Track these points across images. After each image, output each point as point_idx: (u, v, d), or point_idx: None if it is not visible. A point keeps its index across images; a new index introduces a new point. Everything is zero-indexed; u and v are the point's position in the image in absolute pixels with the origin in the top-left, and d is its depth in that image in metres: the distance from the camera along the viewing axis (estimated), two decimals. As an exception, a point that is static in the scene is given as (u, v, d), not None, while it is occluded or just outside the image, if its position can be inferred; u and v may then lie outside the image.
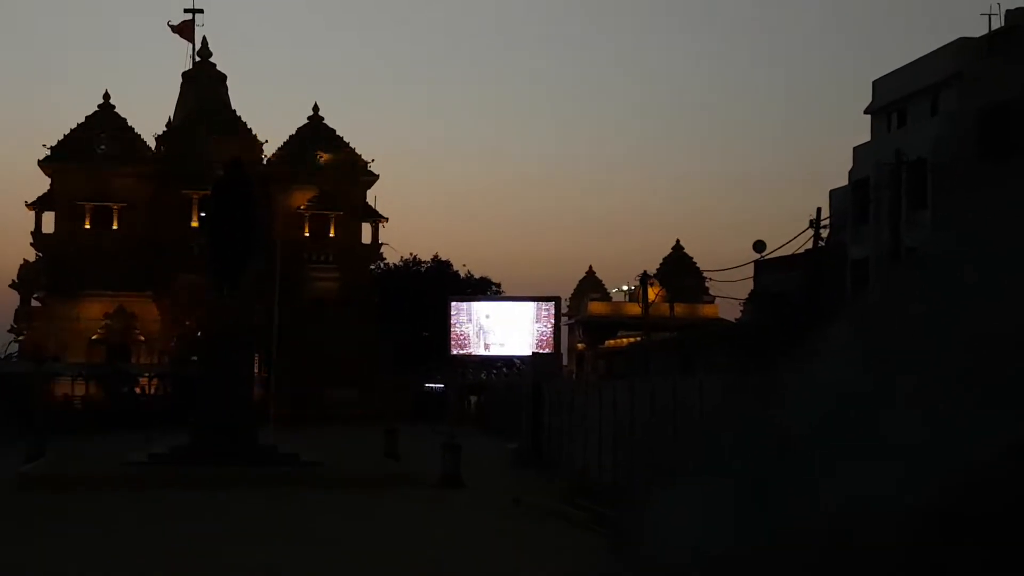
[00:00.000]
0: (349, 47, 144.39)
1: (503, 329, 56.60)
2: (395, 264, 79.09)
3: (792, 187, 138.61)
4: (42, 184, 61.29)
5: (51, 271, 58.86)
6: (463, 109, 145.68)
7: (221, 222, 27.55)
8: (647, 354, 47.15)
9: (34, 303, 61.21)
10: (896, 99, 38.11)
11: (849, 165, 40.24)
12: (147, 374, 55.46)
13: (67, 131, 61.23)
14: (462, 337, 57.82)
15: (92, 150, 60.17)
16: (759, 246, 41.91)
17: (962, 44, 35.26)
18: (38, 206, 60.81)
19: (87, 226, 59.58)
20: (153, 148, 62.41)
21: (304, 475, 24.57)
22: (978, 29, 51.92)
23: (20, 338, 60.80)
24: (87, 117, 61.72)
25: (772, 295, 43.38)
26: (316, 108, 64.64)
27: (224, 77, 64.81)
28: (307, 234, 61.63)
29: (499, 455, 32.05)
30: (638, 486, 19.33)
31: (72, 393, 50.19)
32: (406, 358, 65.33)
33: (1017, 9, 35.89)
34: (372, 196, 64.16)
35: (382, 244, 64.31)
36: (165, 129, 63.56)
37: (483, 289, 78.58)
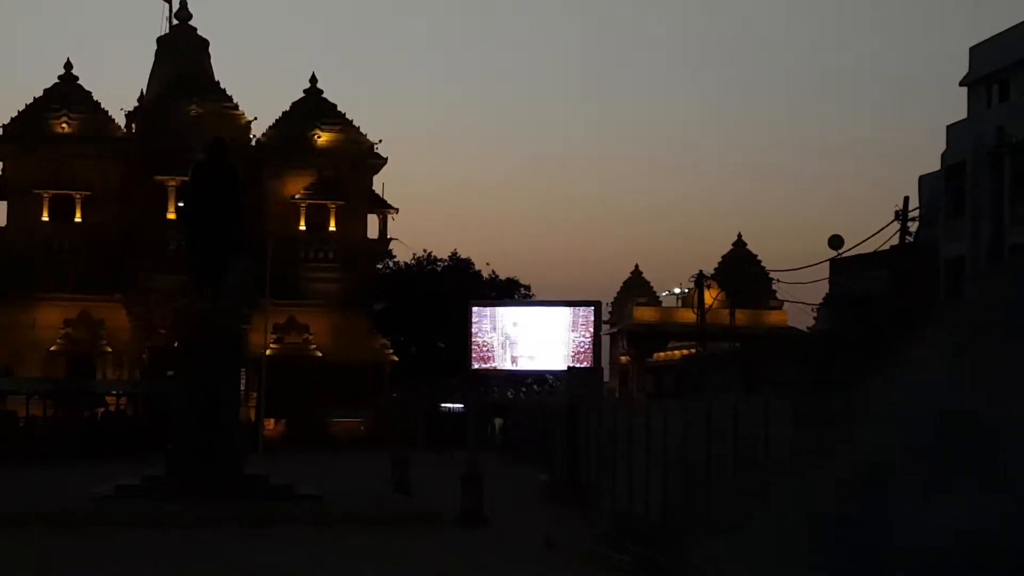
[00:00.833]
0: (351, 7, 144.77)
1: (533, 339, 56.60)
2: (406, 263, 79.35)
3: (875, 173, 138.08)
4: (-7, 169, 61.75)
5: (2, 271, 59.25)
6: (487, 80, 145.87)
7: (202, 213, 27.63)
8: (703, 369, 47.01)
9: (-17, 308, 61.60)
10: (997, 69, 37.87)
11: (942, 147, 40.02)
12: (115, 391, 55.69)
13: (21, 107, 61.68)
14: (485, 348, 57.85)
15: (50, 129, 60.54)
16: (835, 242, 41.78)
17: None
18: (-12, 195, 61.26)
19: (45, 218, 59.95)
20: (123, 127, 62.73)
21: (299, 512, 24.60)
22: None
23: (-33, 349, 61.23)
24: (45, 91, 62.10)
25: (851, 300, 43.20)
26: (314, 79, 64.86)
27: (206, 43, 65.11)
28: (303, 227, 61.81)
29: (528, 488, 32.01)
30: (693, 527, 19.30)
31: (27, 414, 50.46)
32: (419, 373, 65.41)
33: None
34: (379, 183, 64.38)
35: (391, 239, 64.45)
36: (137, 104, 63.86)
37: (510, 292, 78.65)
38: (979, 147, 35.34)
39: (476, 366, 58.20)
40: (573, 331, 56.03)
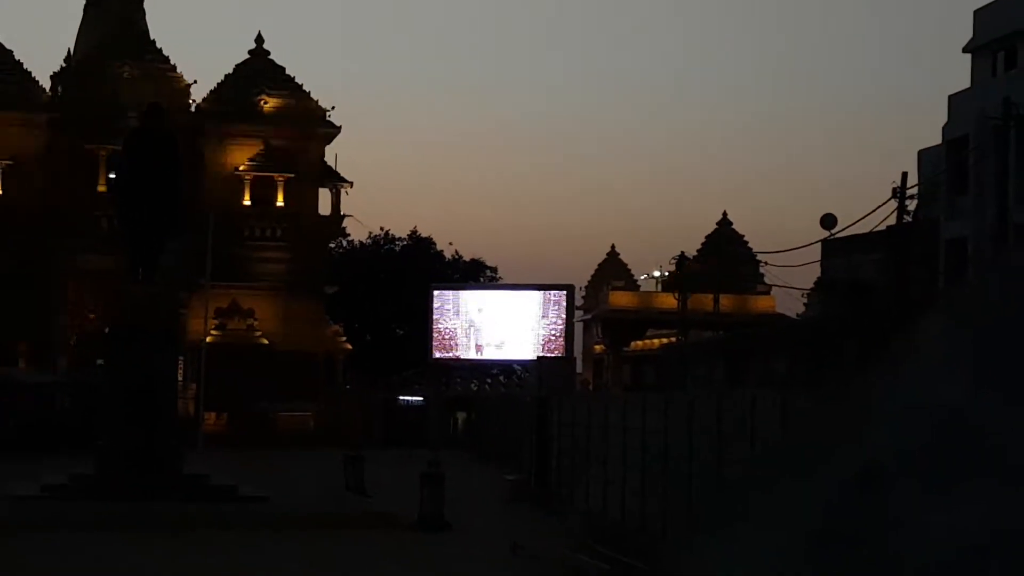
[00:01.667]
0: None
1: (500, 326, 56.64)
2: (361, 242, 79.34)
3: (870, 146, 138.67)
4: (-95, 136, 61.26)
5: (-83, 249, 58.82)
6: (449, 41, 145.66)
7: (136, 186, 27.53)
8: (685, 360, 47.21)
9: None
10: (1004, 34, 38.07)
11: (943, 119, 40.23)
12: (39, 382, 55.45)
13: (-63, 68, 61.15)
14: (447, 336, 57.84)
15: (-30, 93, 60.08)
16: (828, 221, 41.94)
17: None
18: (-100, 165, 60.77)
19: (-37, 191, 59.55)
20: (48, 90, 62.36)
21: (244, 514, 24.58)
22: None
23: None
24: (-37, 50, 61.65)
25: (845, 284, 43.46)
26: (260, 39, 64.63)
27: (141, -1, 64.76)
28: (247, 202, 61.63)
29: (494, 489, 32.10)
30: (674, 531, 19.39)
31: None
32: (375, 363, 65.43)
33: None
34: (332, 154, 64.23)
35: (345, 216, 64.34)
36: (63, 66, 63.48)
37: (474, 275, 78.72)
38: (983, 119, 35.52)
39: (437, 355, 58.12)
40: (543, 317, 56.09)
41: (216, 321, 58.02)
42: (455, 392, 63.15)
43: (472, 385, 65.59)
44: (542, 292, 57.02)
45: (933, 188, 38.94)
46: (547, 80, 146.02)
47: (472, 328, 57.19)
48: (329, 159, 63.89)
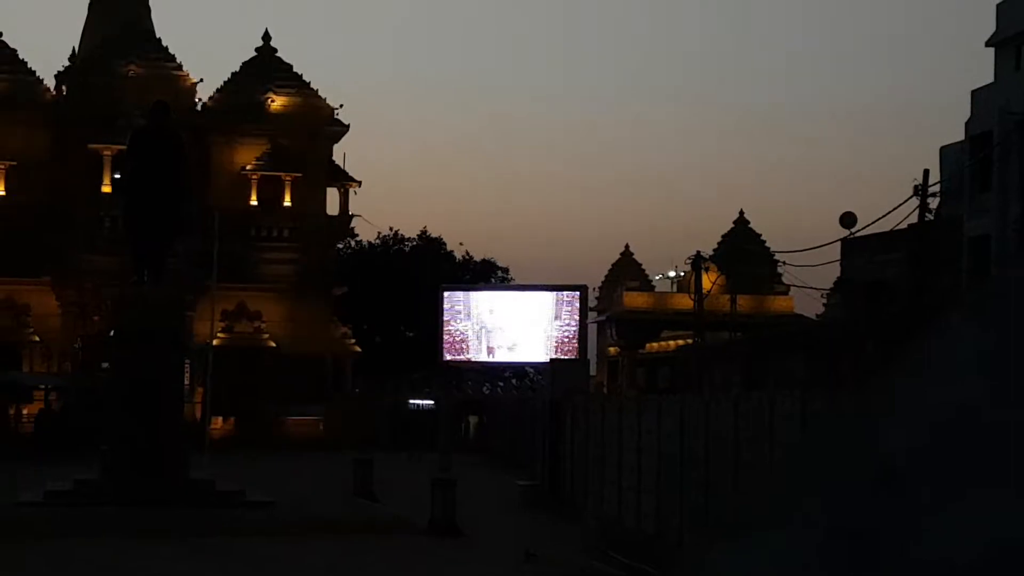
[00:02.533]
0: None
1: (512, 328, 56.68)
2: (370, 242, 79.38)
3: (892, 143, 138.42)
4: (-93, 136, 61.40)
5: (-82, 250, 58.96)
6: (459, 37, 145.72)
7: (141, 186, 27.57)
8: (701, 362, 47.17)
9: None
10: (1030, 27, 37.98)
11: (966, 114, 40.16)
12: (43, 385, 55.58)
13: (-61, 66, 61.30)
14: (458, 338, 57.91)
15: (-28, 91, 60.23)
16: (848, 220, 41.93)
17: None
18: (-99, 165, 60.92)
19: (-35, 191, 59.68)
20: (52, 89, 62.49)
21: (250, 519, 24.61)
22: None
23: None
24: (-35, 48, 61.80)
25: (865, 284, 43.41)
26: (267, 36, 64.71)
27: (146, -5, 64.89)
28: (255, 202, 61.71)
29: (506, 494, 32.10)
30: (690, 537, 19.38)
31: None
32: (384, 365, 65.45)
33: None
34: (340, 153, 64.29)
35: (353, 216, 64.40)
36: (68, 64, 63.61)
37: (486, 276, 78.74)
38: (1006, 114, 35.46)
39: (448, 358, 58.22)
40: (556, 319, 56.11)
41: (223, 323, 58.08)
42: (466, 395, 63.16)
43: (484, 388, 65.61)
44: (555, 293, 57.04)
45: (956, 185, 38.87)
46: (559, 78, 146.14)
47: (483, 330, 57.24)
48: (337, 158, 63.98)
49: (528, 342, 55.50)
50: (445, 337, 57.79)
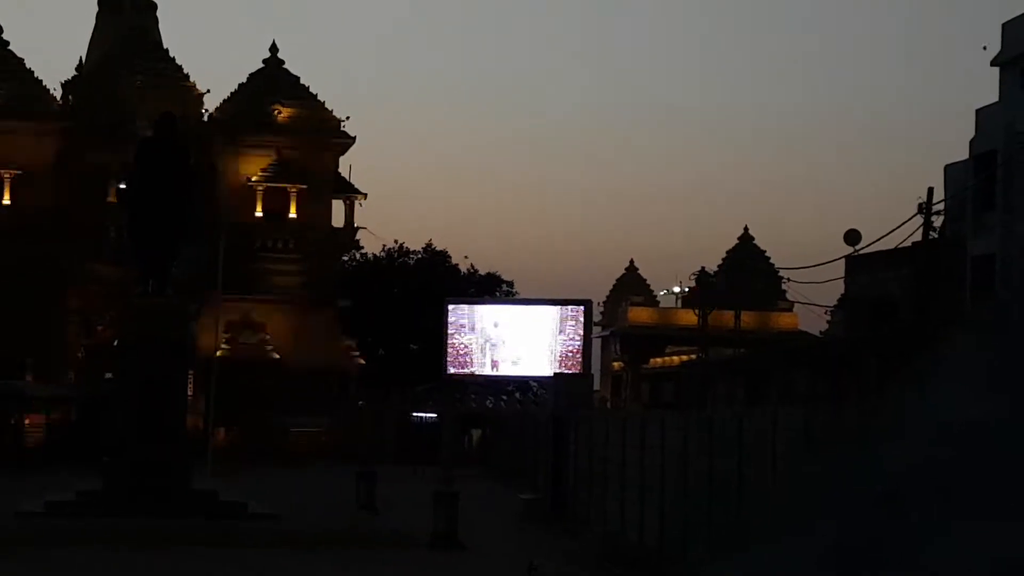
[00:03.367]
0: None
1: (516, 342, 56.56)
2: (375, 255, 79.27)
3: (896, 162, 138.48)
4: (-87, 144, 61.43)
5: (-76, 259, 58.98)
6: (467, 51, 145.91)
7: (147, 196, 27.60)
8: (705, 378, 47.13)
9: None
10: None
11: (970, 133, 40.13)
12: (46, 395, 55.54)
13: (-54, 75, 61.39)
14: (462, 351, 57.78)
15: (-21, 101, 60.29)
16: (852, 237, 41.86)
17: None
18: (-92, 173, 60.95)
19: (-29, 200, 59.73)
20: (59, 99, 62.56)
21: (253, 531, 24.58)
22: None
23: None
24: (-28, 58, 61.87)
25: (869, 301, 43.34)
26: (274, 48, 64.78)
27: (154, 5, 64.98)
28: (260, 213, 61.72)
29: (509, 507, 32.06)
30: (693, 553, 19.35)
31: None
32: (388, 378, 65.36)
33: None
34: (346, 165, 64.30)
35: (359, 228, 64.43)
36: (75, 74, 63.71)
37: (490, 289, 78.65)
38: (1012, 133, 35.45)
39: (452, 371, 58.04)
40: (561, 333, 56.01)
41: (227, 335, 58.08)
42: (470, 408, 63.02)
43: (487, 402, 65.46)
44: (559, 307, 56.91)
45: (960, 204, 38.82)
46: (566, 93, 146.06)
47: (488, 344, 57.12)
48: (343, 170, 63.99)
49: (532, 356, 55.36)
50: (449, 350, 57.62)
